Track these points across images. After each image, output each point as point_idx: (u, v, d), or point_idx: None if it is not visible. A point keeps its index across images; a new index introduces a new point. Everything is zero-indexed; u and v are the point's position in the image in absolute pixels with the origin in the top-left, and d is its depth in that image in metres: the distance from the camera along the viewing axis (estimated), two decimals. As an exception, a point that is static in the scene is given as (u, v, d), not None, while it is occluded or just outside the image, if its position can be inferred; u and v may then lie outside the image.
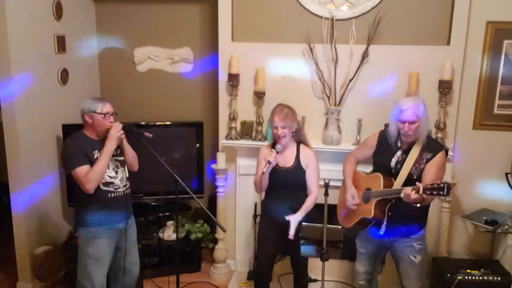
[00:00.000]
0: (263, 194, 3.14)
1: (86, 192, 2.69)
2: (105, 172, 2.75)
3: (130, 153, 2.94)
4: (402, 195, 2.52)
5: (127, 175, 2.94)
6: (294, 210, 2.95)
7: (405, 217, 2.69)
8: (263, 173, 2.90)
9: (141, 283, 3.68)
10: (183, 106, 4.34)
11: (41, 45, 3.61)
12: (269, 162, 2.89)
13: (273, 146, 3.09)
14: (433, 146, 2.71)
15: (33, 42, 3.51)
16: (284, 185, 2.99)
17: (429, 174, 2.64)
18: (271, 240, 3.11)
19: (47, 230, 3.77)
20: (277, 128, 2.95)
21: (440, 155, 2.67)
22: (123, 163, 2.91)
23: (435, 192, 2.40)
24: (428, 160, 2.66)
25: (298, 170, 3.02)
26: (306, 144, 3.12)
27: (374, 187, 2.79)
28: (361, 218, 2.83)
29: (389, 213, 2.73)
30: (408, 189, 2.49)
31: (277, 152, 2.93)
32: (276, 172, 2.97)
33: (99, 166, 2.70)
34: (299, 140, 3.09)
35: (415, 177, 2.66)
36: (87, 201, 2.75)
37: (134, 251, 3.07)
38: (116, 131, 2.75)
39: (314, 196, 3.00)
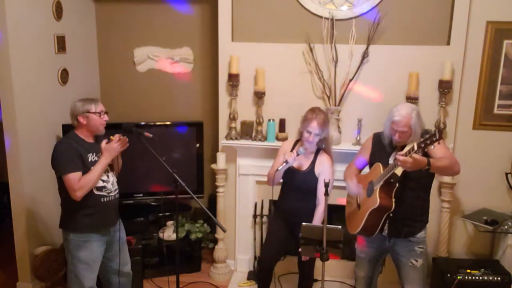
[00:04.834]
0: (277, 191, 3.15)
1: (74, 198, 2.65)
2: (97, 182, 2.72)
3: (120, 162, 2.98)
4: (398, 162, 2.46)
5: (116, 179, 2.93)
6: (303, 212, 2.97)
7: (407, 216, 2.68)
8: (277, 169, 2.91)
9: (141, 283, 3.68)
10: (183, 106, 4.34)
11: (41, 45, 3.61)
12: (286, 162, 2.89)
13: (296, 143, 3.11)
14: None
15: (33, 42, 3.51)
16: (294, 187, 3.00)
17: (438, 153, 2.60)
18: (278, 237, 3.12)
19: (47, 230, 3.76)
20: (310, 134, 2.93)
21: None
22: (111, 167, 2.89)
23: (428, 142, 2.34)
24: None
25: (309, 175, 3.03)
26: (328, 153, 3.08)
27: (375, 178, 2.76)
28: (368, 213, 2.70)
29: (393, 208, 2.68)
30: (403, 155, 2.43)
31: (297, 155, 2.93)
32: (289, 172, 2.97)
33: (94, 175, 2.68)
34: (321, 147, 3.08)
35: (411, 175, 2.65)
36: (79, 206, 2.70)
37: (124, 251, 3.05)
38: (117, 143, 2.75)
39: (321, 207, 2.94)
